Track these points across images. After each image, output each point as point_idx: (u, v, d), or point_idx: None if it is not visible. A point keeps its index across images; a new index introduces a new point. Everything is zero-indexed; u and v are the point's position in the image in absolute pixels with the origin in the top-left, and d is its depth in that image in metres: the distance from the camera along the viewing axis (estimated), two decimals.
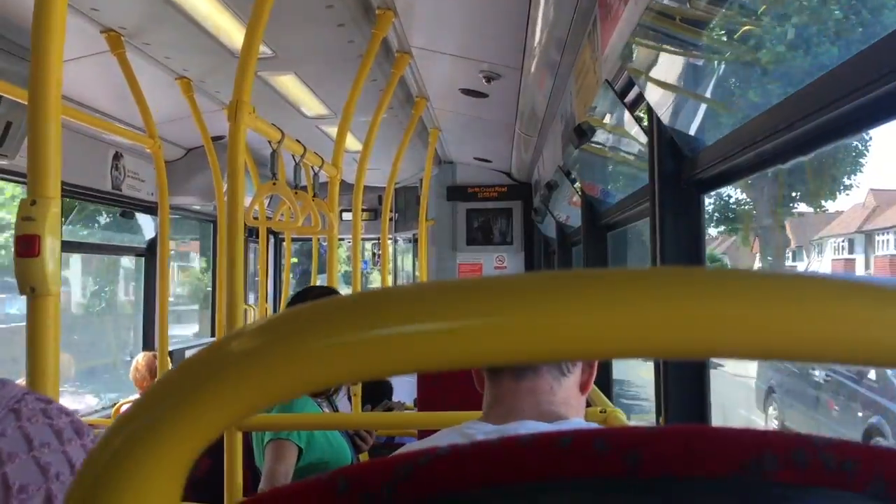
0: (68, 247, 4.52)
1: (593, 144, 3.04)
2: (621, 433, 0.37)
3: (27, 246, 1.22)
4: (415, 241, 7.63)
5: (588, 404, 2.37)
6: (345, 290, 3.66)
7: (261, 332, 0.30)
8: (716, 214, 16.01)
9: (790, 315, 0.26)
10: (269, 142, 2.76)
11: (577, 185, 3.72)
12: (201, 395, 0.30)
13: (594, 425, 1.68)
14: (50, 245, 1.25)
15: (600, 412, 2.14)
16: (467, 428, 1.28)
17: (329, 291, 2.74)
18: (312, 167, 3.33)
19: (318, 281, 6.81)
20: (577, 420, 1.29)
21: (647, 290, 0.27)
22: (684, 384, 1.78)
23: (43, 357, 1.23)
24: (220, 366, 0.30)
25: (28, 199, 1.25)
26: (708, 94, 1.92)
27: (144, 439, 0.30)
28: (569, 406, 1.27)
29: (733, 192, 16.12)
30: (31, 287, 1.24)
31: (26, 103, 1.36)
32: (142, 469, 0.30)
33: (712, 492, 0.35)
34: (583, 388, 1.32)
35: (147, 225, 5.79)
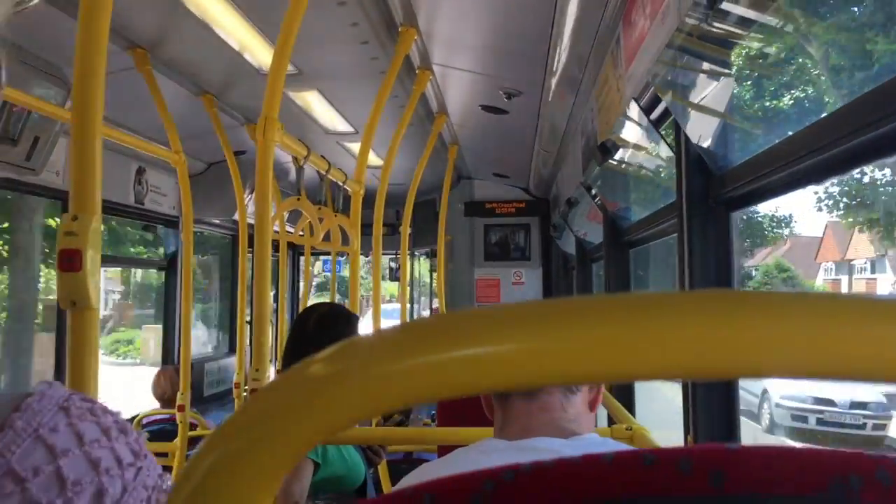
0: None
1: (615, 161, 3.05)
2: (704, 452, 0.38)
3: (70, 260, 1.24)
4: (432, 255, 7.64)
5: (612, 422, 2.36)
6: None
7: (345, 355, 0.31)
8: (842, 200, 12.26)
9: (806, 333, 0.27)
10: (294, 158, 2.79)
11: (599, 201, 3.72)
12: (293, 416, 0.31)
13: (608, 439, 1.68)
14: (91, 259, 1.27)
15: (626, 430, 2.13)
16: (481, 445, 1.30)
17: (334, 308, 2.74)
18: (335, 182, 3.35)
19: (336, 296, 6.82)
20: (591, 435, 1.30)
21: (692, 314, 0.28)
22: (713, 402, 1.78)
23: (84, 369, 1.25)
24: (310, 387, 0.31)
25: (70, 215, 1.27)
26: (732, 112, 1.93)
27: (237, 459, 0.31)
28: (579, 423, 1.29)
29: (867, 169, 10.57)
30: (73, 301, 1.26)
31: (59, 120, 1.39)
32: (235, 487, 0.31)
33: None
34: (591, 406, 1.34)
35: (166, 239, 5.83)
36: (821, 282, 19.13)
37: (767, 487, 0.36)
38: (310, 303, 7.05)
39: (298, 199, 3.07)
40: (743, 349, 0.27)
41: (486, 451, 1.25)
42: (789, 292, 0.28)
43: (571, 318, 0.29)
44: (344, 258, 6.44)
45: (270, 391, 0.32)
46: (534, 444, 1.23)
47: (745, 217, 15.83)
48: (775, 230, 19.62)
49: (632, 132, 2.61)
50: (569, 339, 0.28)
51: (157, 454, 3.30)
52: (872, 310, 0.27)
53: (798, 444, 0.40)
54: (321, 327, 2.52)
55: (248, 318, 5.11)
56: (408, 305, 6.21)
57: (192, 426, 4.22)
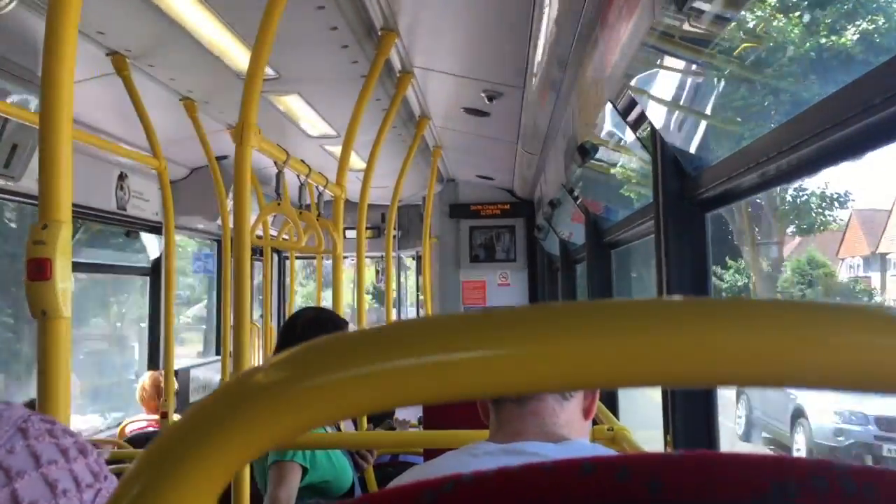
0: (73, 267, 4.52)
1: (596, 162, 3.05)
2: (642, 460, 0.38)
3: (39, 269, 1.23)
4: (418, 258, 7.64)
5: (595, 422, 2.37)
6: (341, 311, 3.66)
7: (287, 365, 0.31)
8: None
9: (779, 342, 0.27)
10: (275, 162, 2.78)
11: (581, 202, 3.73)
12: (230, 427, 0.31)
13: (599, 446, 1.68)
14: (61, 268, 1.26)
15: (608, 430, 2.14)
16: (473, 448, 1.31)
17: (323, 314, 2.74)
18: (317, 187, 3.35)
19: (323, 300, 6.81)
20: (579, 440, 1.31)
21: (664, 321, 0.28)
22: (691, 405, 1.78)
23: (54, 378, 1.23)
24: (249, 397, 0.31)
25: (39, 224, 1.26)
26: (709, 112, 1.93)
27: (173, 472, 0.31)
28: (571, 429, 1.29)
29: None
30: (43, 310, 1.25)
31: (37, 127, 1.38)
32: (174, 497, 0.31)
33: None
34: (585, 413, 1.34)
35: (151, 245, 5.80)
36: (845, 279, 15.97)
37: (704, 495, 0.36)
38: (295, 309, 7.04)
39: (279, 204, 3.06)
40: (723, 358, 0.27)
41: (476, 454, 1.27)
42: (765, 300, 0.28)
43: (525, 327, 0.29)
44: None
45: (207, 403, 0.32)
46: (523, 447, 1.24)
47: (789, 198, 13.33)
48: (826, 213, 14.15)
49: (611, 134, 2.62)
50: (521, 348, 0.28)
51: None
52: (847, 318, 0.27)
53: (741, 451, 0.40)
54: (308, 332, 2.51)
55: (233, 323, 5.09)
56: (393, 309, 6.20)
57: None
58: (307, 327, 2.57)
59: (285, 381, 0.30)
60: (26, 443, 0.53)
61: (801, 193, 13.64)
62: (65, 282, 1.27)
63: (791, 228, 14.42)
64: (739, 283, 14.07)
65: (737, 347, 0.27)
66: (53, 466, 0.53)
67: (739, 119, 1.97)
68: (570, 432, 1.29)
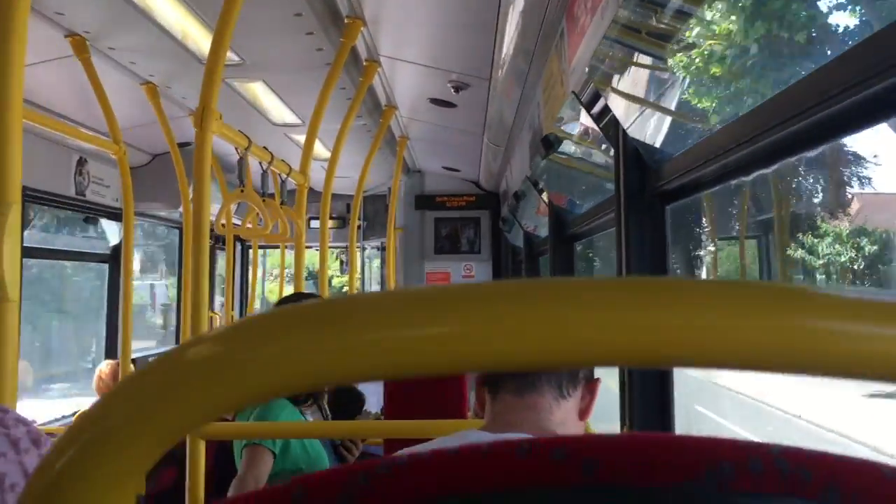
0: (29, 252, 4.43)
1: (560, 155, 3.06)
2: (579, 441, 0.37)
3: None
4: (383, 249, 7.62)
5: None
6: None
7: (218, 340, 0.30)
8: None
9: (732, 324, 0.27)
10: (237, 149, 2.75)
11: (545, 195, 3.74)
12: (158, 403, 0.30)
13: None
14: (9, 251, 1.22)
15: None
16: (465, 435, 1.31)
17: (299, 296, 2.72)
18: (280, 175, 3.31)
19: (286, 290, 6.76)
20: None
21: (614, 299, 0.27)
22: (648, 392, 1.80)
23: (1, 365, 1.20)
24: (177, 373, 0.30)
25: None
26: (672, 107, 1.95)
27: (99, 447, 0.30)
28: (566, 428, 1.29)
29: None
30: None
31: None
32: (96, 476, 0.30)
33: (668, 501, 0.36)
34: (581, 414, 1.34)
35: (111, 231, 5.70)
36: None
37: (640, 476, 0.36)
38: (256, 298, 6.98)
39: (243, 191, 3.03)
40: (667, 337, 0.27)
41: (468, 440, 1.26)
42: (720, 280, 0.28)
43: (471, 303, 0.28)
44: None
45: (133, 379, 0.31)
46: (513, 438, 1.23)
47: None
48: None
49: (574, 126, 2.63)
50: (468, 323, 0.28)
51: None
52: (810, 302, 0.27)
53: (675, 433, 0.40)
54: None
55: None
56: None
57: None
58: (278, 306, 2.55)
59: (222, 354, 0.29)
60: None
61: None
62: (13, 265, 1.24)
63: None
64: (843, 258, 8.22)
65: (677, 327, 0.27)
66: (2, 459, 0.51)
67: (698, 115, 1.99)
68: (565, 431, 1.29)
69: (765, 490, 0.35)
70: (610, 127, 2.01)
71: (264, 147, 3.01)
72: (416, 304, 0.29)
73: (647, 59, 1.85)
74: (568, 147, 2.99)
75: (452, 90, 3.91)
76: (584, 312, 0.27)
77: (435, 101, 4.31)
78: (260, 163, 3.07)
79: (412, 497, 0.36)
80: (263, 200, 3.15)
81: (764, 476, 0.35)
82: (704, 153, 1.52)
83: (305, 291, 3.40)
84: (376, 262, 9.09)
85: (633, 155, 1.87)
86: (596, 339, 0.27)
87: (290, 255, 7.28)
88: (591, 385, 1.35)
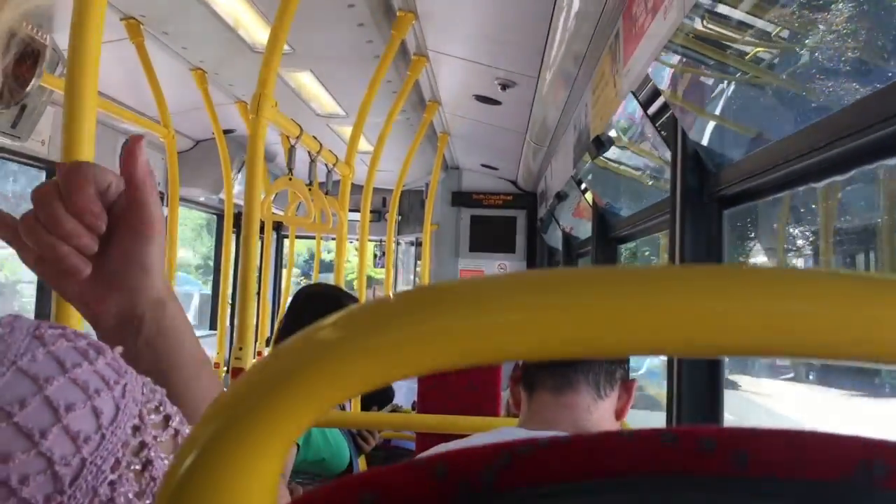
0: None
1: (606, 157, 3.05)
2: (724, 432, 0.37)
3: None
4: (417, 244, 7.63)
5: None
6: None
7: (350, 322, 0.30)
8: None
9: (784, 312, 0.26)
10: (287, 137, 2.76)
11: (589, 195, 3.72)
12: (310, 375, 0.30)
13: None
14: None
15: None
16: (501, 432, 1.32)
17: (330, 290, 2.73)
18: (326, 164, 3.33)
19: (318, 279, 6.80)
20: None
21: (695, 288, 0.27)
22: (697, 386, 1.77)
23: None
24: (328, 347, 0.30)
25: None
26: (726, 113, 1.93)
27: (256, 412, 0.30)
28: (602, 428, 1.29)
29: None
30: None
31: (56, 90, 1.37)
32: (252, 441, 0.30)
33: (821, 495, 0.35)
34: (618, 414, 1.33)
35: None
36: None
37: (790, 470, 0.35)
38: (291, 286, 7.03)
39: (290, 179, 3.05)
40: (734, 326, 0.26)
41: (505, 437, 1.26)
42: (790, 269, 0.28)
43: (581, 287, 0.28)
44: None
45: (271, 361, 0.31)
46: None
47: None
48: None
49: (627, 127, 2.61)
50: (569, 308, 0.28)
51: None
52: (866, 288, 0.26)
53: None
54: (309, 305, 2.50)
55: (230, 299, 5.09)
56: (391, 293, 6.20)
57: None
58: (309, 301, 2.57)
59: (349, 338, 0.29)
60: (46, 349, 0.53)
61: None
62: None
63: None
64: None
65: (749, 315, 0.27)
66: (79, 369, 0.53)
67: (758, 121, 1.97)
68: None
69: None
70: (668, 127, 1.99)
71: (314, 137, 3.03)
72: (542, 285, 0.28)
73: (708, 65, 1.83)
74: (614, 149, 2.97)
75: (499, 87, 3.90)
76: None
77: (480, 98, 4.31)
78: (309, 152, 3.09)
79: (558, 478, 0.36)
80: (309, 189, 3.17)
81: None
82: (768, 159, 1.50)
83: (324, 283, 3.41)
84: (409, 257, 9.10)
85: (691, 157, 1.85)
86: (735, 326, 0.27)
87: (311, 244, 7.32)
88: (628, 385, 1.35)
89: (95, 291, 0.69)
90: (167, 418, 0.59)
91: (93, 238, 0.66)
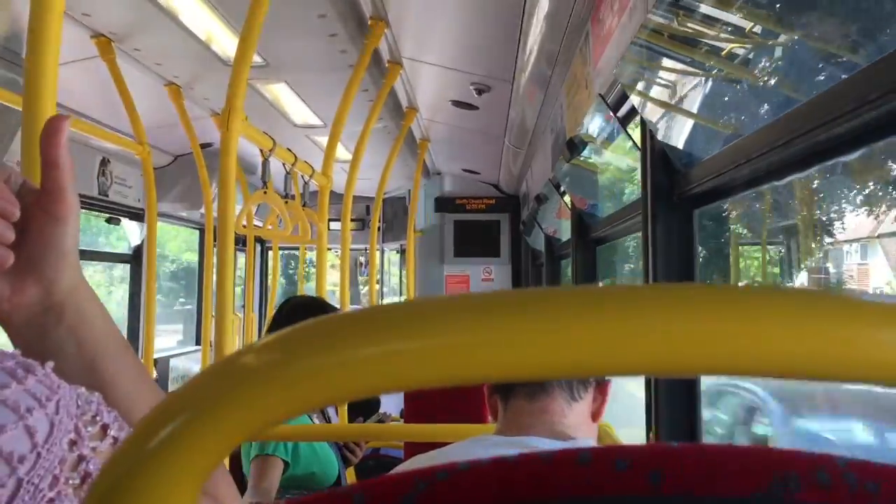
0: None
1: (583, 158, 3.05)
2: (641, 451, 0.37)
3: None
4: (402, 251, 7.62)
5: None
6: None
7: (278, 346, 0.30)
8: None
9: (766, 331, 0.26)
10: (261, 150, 2.75)
11: (567, 198, 3.72)
12: (223, 406, 0.30)
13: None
14: None
15: None
16: (481, 439, 1.32)
17: (314, 301, 2.73)
18: (302, 176, 3.32)
19: (304, 290, 6.78)
20: (588, 441, 1.31)
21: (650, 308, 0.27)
22: (675, 399, 1.78)
23: None
24: (243, 377, 0.30)
25: None
26: (698, 109, 1.93)
27: (165, 449, 0.30)
28: (579, 430, 1.30)
29: None
30: None
31: (19, 109, 1.35)
32: (162, 478, 0.30)
33: None
34: (594, 416, 1.34)
35: (132, 232, 5.74)
36: None
37: (705, 487, 0.35)
38: (276, 299, 7.01)
39: (265, 193, 3.03)
40: (701, 346, 0.26)
41: (483, 445, 1.27)
42: (767, 286, 0.27)
43: (520, 310, 0.28)
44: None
45: (196, 384, 0.30)
46: (528, 441, 1.24)
47: None
48: None
49: (599, 129, 2.62)
50: (513, 332, 0.27)
51: None
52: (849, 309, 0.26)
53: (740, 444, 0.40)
54: (293, 317, 2.49)
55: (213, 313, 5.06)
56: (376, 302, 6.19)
57: None
58: (293, 312, 2.56)
59: (277, 363, 0.29)
60: None
61: None
62: None
63: None
64: None
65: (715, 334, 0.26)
66: (7, 390, 0.52)
67: (728, 118, 1.97)
68: (577, 433, 1.30)
69: (832, 503, 0.35)
70: (636, 129, 2.00)
71: (288, 149, 3.01)
72: (484, 309, 0.28)
73: (675, 62, 1.84)
74: (592, 149, 2.98)
75: (474, 92, 3.91)
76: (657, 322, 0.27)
77: (457, 104, 4.31)
78: (283, 164, 3.07)
79: None
80: (285, 202, 3.15)
81: (832, 489, 0.35)
82: (737, 156, 1.50)
83: (306, 295, 3.40)
84: (394, 265, 9.09)
85: (660, 157, 1.85)
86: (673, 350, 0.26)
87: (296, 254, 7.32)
88: (602, 387, 1.35)
89: (13, 283, 0.69)
90: (105, 428, 0.58)
91: (7, 226, 0.66)
